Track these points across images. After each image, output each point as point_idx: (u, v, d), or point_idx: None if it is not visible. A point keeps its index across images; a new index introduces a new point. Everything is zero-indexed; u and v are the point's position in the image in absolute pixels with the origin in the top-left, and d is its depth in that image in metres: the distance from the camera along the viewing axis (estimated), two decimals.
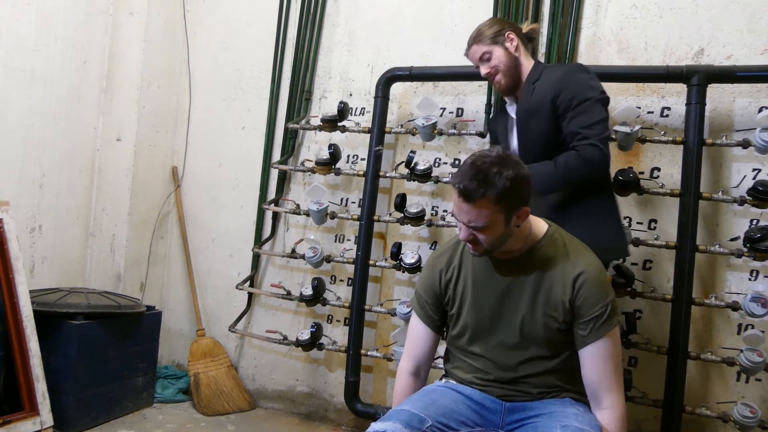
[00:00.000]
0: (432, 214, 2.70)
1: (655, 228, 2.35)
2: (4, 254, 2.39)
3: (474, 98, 2.68)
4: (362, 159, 2.83)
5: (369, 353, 2.65)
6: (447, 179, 2.54)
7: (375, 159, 2.63)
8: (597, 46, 2.47)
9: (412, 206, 2.55)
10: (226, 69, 3.28)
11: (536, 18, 2.52)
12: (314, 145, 3.03)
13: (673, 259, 2.19)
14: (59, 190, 3.00)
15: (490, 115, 2.53)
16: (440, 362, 1.97)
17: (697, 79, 2.14)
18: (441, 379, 1.72)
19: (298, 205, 2.89)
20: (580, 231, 1.65)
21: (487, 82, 2.47)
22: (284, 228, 3.09)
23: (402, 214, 2.57)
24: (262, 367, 3.11)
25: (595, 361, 1.48)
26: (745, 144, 2.13)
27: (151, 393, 2.93)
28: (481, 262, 1.59)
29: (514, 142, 2.02)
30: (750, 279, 2.22)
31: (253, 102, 3.20)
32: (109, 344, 2.65)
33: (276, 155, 3.08)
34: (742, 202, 2.12)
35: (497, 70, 1.96)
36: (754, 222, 2.21)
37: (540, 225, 1.58)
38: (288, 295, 2.86)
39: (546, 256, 1.54)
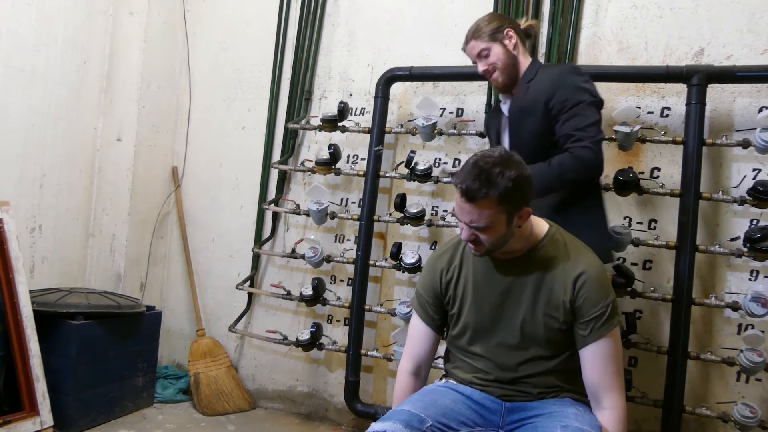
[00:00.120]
0: (432, 214, 2.70)
1: (655, 228, 2.35)
2: (4, 254, 2.39)
3: (474, 98, 2.68)
4: (362, 159, 2.83)
5: (369, 353, 2.65)
6: (447, 179, 2.54)
7: (375, 159, 2.63)
8: (597, 46, 2.47)
9: (412, 206, 2.55)
10: (226, 69, 3.28)
11: (536, 18, 2.52)
12: (314, 145, 3.03)
13: (673, 259, 2.19)
14: (59, 190, 3.00)
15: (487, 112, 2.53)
16: (440, 362, 1.97)
17: (697, 79, 2.14)
18: (441, 379, 1.71)
19: (298, 205, 2.90)
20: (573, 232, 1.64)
21: (487, 82, 2.47)
22: (284, 228, 3.09)
23: (402, 214, 2.57)
24: (262, 367, 3.11)
25: (596, 361, 1.48)
26: (745, 144, 2.13)
27: (151, 393, 2.93)
28: (482, 262, 1.59)
29: (506, 141, 2.01)
30: (750, 279, 2.22)
31: (253, 102, 3.20)
32: (109, 344, 2.65)
33: (276, 155, 3.08)
34: (742, 202, 2.12)
35: (495, 68, 1.94)
36: (754, 222, 2.21)
37: (541, 225, 1.58)
38: (288, 295, 2.86)
39: (547, 257, 1.54)
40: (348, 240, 2.91)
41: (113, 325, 2.66)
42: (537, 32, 2.32)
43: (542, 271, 1.53)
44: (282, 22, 3.11)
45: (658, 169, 2.35)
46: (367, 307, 2.64)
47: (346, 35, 2.99)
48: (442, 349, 1.79)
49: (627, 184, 2.19)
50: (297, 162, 3.04)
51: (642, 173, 2.35)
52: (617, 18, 2.45)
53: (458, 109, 2.71)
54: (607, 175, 2.36)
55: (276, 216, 3.08)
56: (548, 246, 1.55)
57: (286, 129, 3.03)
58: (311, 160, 2.86)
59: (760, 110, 2.18)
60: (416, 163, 2.54)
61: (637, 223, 2.37)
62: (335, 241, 2.95)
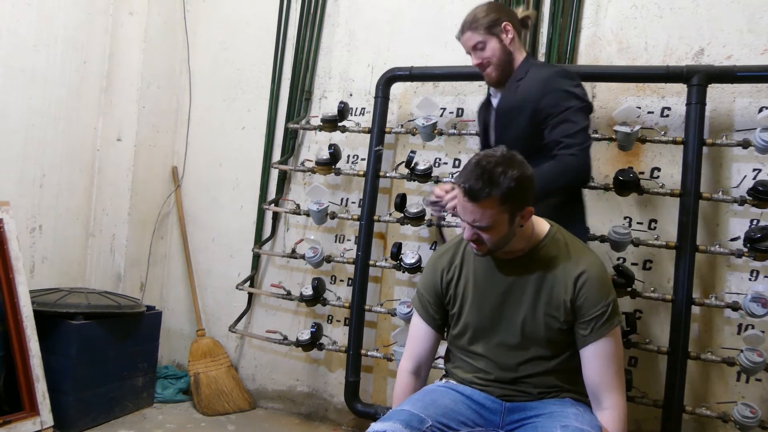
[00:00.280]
0: (432, 214, 2.70)
1: (655, 228, 2.35)
2: (4, 254, 2.39)
3: (474, 98, 2.68)
4: (362, 159, 2.83)
5: (369, 353, 2.65)
6: (447, 179, 2.54)
7: (375, 159, 2.63)
8: (597, 46, 2.47)
9: (412, 206, 2.55)
10: (226, 69, 3.28)
11: (536, 18, 2.51)
12: (314, 145, 3.03)
13: (673, 259, 2.19)
14: (59, 190, 3.00)
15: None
16: (440, 362, 1.97)
17: (697, 79, 2.14)
18: (441, 379, 1.72)
19: (298, 205, 2.90)
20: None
21: None
22: (284, 228, 3.09)
23: (402, 214, 2.57)
24: (262, 367, 3.11)
25: (596, 360, 1.48)
26: (745, 144, 2.13)
27: (151, 393, 2.92)
28: (483, 262, 1.59)
29: (493, 137, 1.98)
30: (750, 279, 2.22)
31: (253, 102, 3.20)
32: (109, 344, 2.65)
33: (276, 155, 3.08)
34: (742, 202, 2.12)
35: (489, 63, 1.90)
36: (754, 222, 2.21)
37: (542, 225, 1.58)
38: (288, 295, 2.86)
39: (548, 256, 1.54)
40: (348, 240, 2.91)
41: (113, 325, 2.66)
42: (533, 21, 2.24)
43: (543, 271, 1.53)
44: (282, 22, 3.11)
45: (658, 169, 2.35)
46: (367, 307, 2.64)
47: (346, 35, 2.99)
48: (442, 350, 1.79)
49: (627, 184, 2.19)
50: (297, 162, 3.04)
51: (642, 173, 2.35)
52: (617, 18, 2.45)
53: (458, 109, 2.71)
54: (607, 175, 2.37)
55: (276, 216, 3.08)
56: (549, 246, 1.55)
57: (286, 129, 3.03)
58: (311, 160, 2.86)
59: (760, 110, 2.18)
60: (416, 163, 2.54)
61: (638, 223, 2.37)
62: (335, 241, 2.95)
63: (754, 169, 2.22)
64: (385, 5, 2.90)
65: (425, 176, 2.55)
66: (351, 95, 2.96)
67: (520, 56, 1.93)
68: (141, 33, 3.14)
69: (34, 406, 2.33)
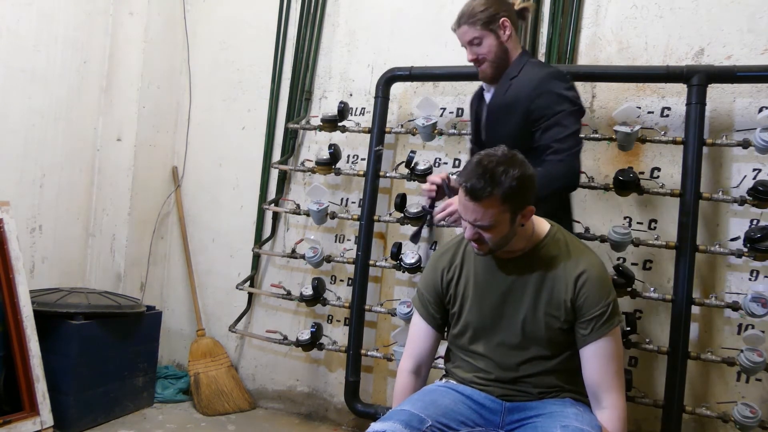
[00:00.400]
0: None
1: (655, 228, 2.35)
2: (5, 254, 2.39)
3: None
4: (362, 159, 2.83)
5: (369, 353, 2.65)
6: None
7: (375, 159, 2.63)
8: (597, 46, 2.47)
9: (412, 206, 2.54)
10: (226, 69, 3.28)
11: (536, 18, 2.52)
12: (314, 145, 3.03)
13: (673, 259, 2.19)
14: (59, 190, 3.00)
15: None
16: (440, 362, 1.97)
17: (697, 79, 2.14)
18: (441, 378, 1.71)
19: (298, 205, 2.90)
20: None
21: None
22: (284, 228, 3.09)
23: (402, 214, 2.57)
24: (262, 367, 3.11)
25: (596, 360, 1.48)
26: (745, 144, 2.13)
27: (151, 393, 2.92)
28: (484, 261, 1.59)
29: (483, 134, 1.96)
30: (750, 279, 2.22)
31: (253, 102, 3.20)
32: (109, 344, 2.65)
33: (276, 155, 3.08)
34: (742, 202, 2.12)
35: (485, 59, 1.88)
36: (754, 222, 2.21)
37: (542, 224, 1.58)
38: (288, 295, 2.86)
39: (549, 256, 1.54)
40: (348, 240, 2.91)
41: (113, 325, 2.66)
42: (533, 20, 2.21)
43: (544, 271, 1.53)
44: (282, 22, 3.11)
45: (658, 169, 2.35)
46: (367, 307, 2.64)
47: (346, 35, 2.99)
48: (442, 349, 1.79)
49: (627, 184, 2.19)
50: (297, 162, 3.04)
51: (642, 173, 2.35)
52: (617, 18, 2.45)
53: (458, 109, 2.71)
54: (608, 175, 2.37)
55: (276, 216, 3.08)
56: (550, 245, 1.55)
57: (286, 129, 3.03)
58: (311, 160, 2.86)
59: (760, 110, 2.18)
60: (416, 163, 2.54)
61: (638, 223, 2.37)
62: (335, 241, 2.95)
63: (754, 169, 2.22)
64: (385, 5, 2.90)
65: (425, 176, 2.53)
66: (351, 95, 2.96)
67: (515, 52, 1.90)
68: (141, 33, 3.14)
69: (34, 406, 2.33)
